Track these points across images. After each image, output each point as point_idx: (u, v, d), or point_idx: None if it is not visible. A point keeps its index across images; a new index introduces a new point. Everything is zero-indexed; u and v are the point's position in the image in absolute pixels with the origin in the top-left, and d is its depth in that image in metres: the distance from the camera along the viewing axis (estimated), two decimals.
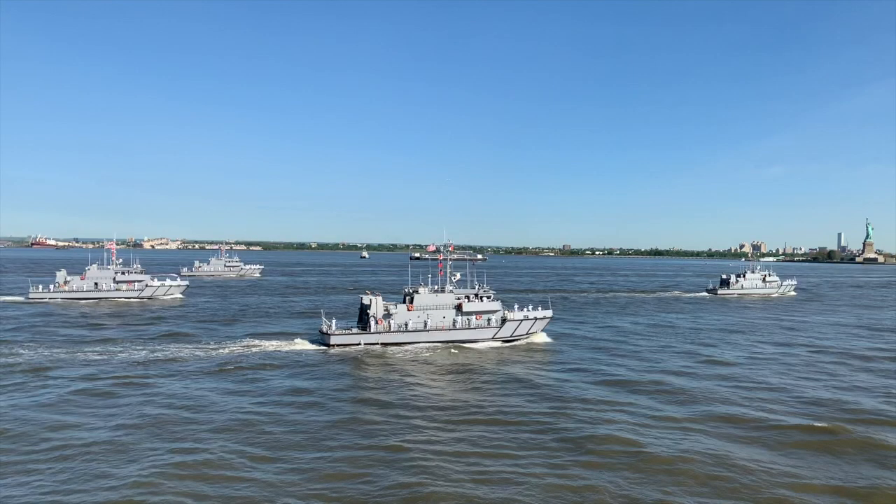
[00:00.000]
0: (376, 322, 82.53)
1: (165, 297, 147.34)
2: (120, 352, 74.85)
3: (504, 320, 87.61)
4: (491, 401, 55.29)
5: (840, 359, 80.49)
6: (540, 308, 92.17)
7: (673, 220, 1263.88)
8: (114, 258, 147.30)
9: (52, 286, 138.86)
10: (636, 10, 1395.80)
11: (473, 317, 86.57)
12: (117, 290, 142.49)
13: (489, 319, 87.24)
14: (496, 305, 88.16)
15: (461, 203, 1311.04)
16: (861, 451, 43.43)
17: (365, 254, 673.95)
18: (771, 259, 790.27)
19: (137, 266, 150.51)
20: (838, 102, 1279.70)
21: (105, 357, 71.35)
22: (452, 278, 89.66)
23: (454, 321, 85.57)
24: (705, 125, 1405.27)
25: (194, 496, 33.94)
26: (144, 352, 74.91)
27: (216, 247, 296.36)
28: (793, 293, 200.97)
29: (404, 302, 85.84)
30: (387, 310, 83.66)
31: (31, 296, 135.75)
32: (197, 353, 75.26)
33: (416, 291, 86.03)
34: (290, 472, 37.66)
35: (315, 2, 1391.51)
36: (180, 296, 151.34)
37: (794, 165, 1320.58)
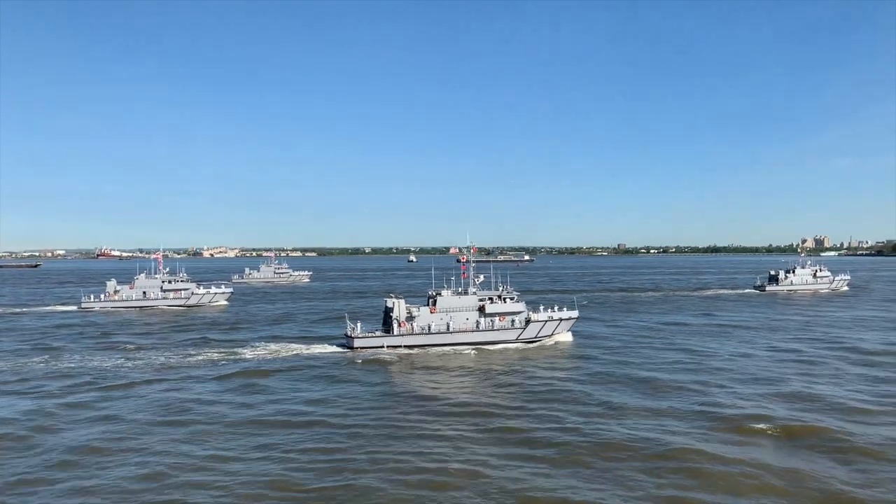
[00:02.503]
0: (399, 325, 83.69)
1: (211, 305, 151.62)
2: (149, 356, 77.85)
3: (528, 321, 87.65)
4: (506, 403, 55.58)
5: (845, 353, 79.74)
6: (565, 308, 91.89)
7: (732, 217, 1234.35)
8: (161, 267, 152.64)
9: (102, 296, 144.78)
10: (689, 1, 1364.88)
11: (497, 318, 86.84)
12: (164, 298, 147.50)
13: (513, 321, 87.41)
14: (520, 307, 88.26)
15: (516, 203, 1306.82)
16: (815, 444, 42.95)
17: (413, 257, 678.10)
18: (833, 254, 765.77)
19: (183, 275, 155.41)
20: None
21: (130, 362, 74.29)
22: (476, 280, 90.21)
23: (477, 323, 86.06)
24: (765, 117, 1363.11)
25: (197, 492, 35.44)
26: (173, 357, 77.53)
27: (272, 254, 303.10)
28: (846, 288, 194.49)
29: (427, 304, 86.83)
30: (409, 312, 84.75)
31: (83, 305, 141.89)
32: (221, 357, 77.66)
33: (439, 294, 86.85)
34: (296, 469, 38.78)
35: (369, 10, 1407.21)
36: (225, 303, 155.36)
37: (861, 157, 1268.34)
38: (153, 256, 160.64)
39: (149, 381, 63.92)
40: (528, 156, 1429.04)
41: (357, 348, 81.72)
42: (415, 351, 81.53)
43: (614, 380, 64.72)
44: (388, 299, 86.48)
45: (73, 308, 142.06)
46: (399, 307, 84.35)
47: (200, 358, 77.14)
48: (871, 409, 52.04)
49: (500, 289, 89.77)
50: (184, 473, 38.26)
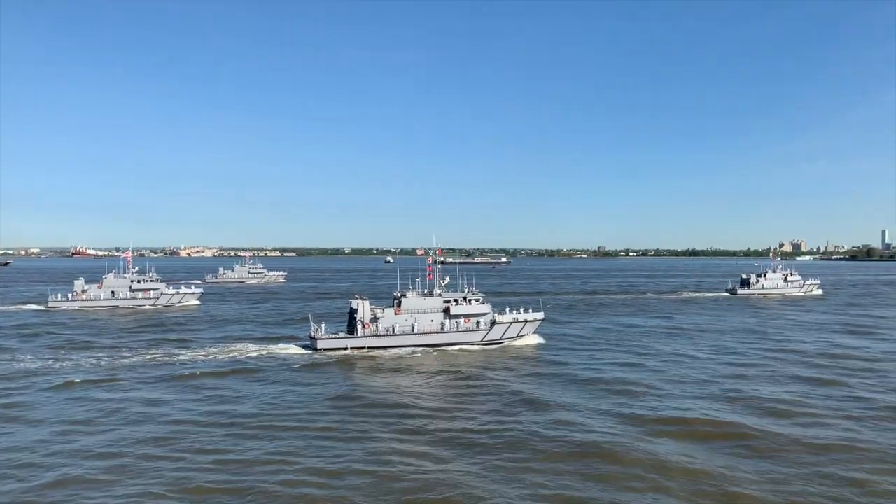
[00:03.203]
0: (363, 326, 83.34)
1: (181, 305, 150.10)
2: (81, 358, 76.31)
3: (493, 323, 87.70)
4: (434, 403, 55.65)
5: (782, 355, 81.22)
6: (531, 310, 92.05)
7: (712, 220, 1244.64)
8: (130, 266, 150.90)
9: (70, 295, 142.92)
10: (668, 9, 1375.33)
11: (462, 320, 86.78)
12: (133, 297, 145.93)
13: (478, 322, 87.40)
14: (485, 308, 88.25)
15: (500, 206, 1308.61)
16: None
17: (390, 258, 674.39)
18: (807, 258, 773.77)
19: (153, 274, 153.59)
20: (884, 95, 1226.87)
21: (59, 363, 72.77)
22: (442, 282, 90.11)
23: (442, 324, 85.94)
24: (745, 122, 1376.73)
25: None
26: (104, 359, 75.47)
27: (248, 254, 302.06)
28: (818, 292, 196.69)
29: (392, 306, 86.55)
30: (374, 314, 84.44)
31: (50, 304, 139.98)
32: (181, 357, 76.82)
33: (404, 295, 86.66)
34: (189, 470, 38.41)
35: (345, 9, 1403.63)
36: (196, 303, 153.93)
37: (839, 161, 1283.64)
38: (122, 255, 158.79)
39: (70, 384, 61.83)
40: (514, 159, 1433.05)
41: (321, 349, 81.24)
42: (378, 352, 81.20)
43: (550, 380, 65.58)
44: (352, 300, 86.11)
45: (40, 307, 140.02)
46: (363, 308, 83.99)
47: (137, 359, 75.63)
48: (791, 411, 52.61)
49: (466, 290, 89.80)
50: (80, 473, 37.93)
